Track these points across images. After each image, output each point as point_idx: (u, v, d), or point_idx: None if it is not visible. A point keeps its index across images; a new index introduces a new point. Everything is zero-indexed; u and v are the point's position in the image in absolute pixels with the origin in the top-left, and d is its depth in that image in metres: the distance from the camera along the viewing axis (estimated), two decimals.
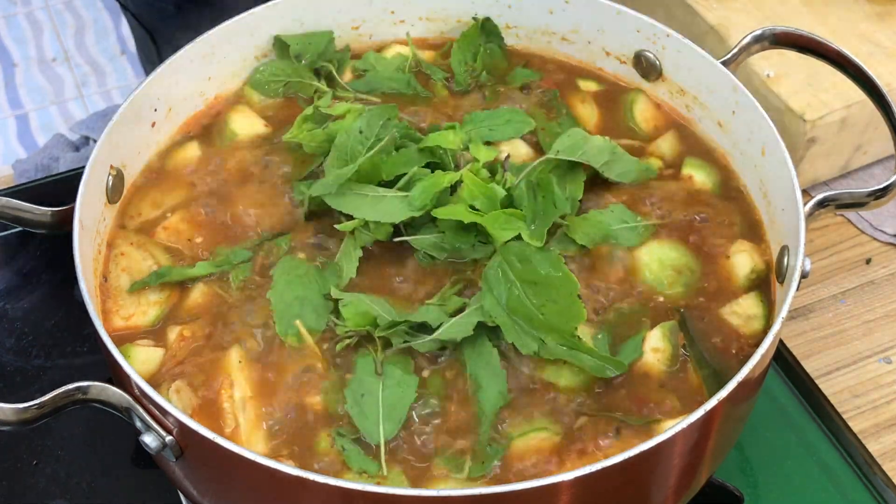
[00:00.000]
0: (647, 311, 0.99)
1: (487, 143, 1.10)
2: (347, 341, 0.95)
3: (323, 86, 1.18)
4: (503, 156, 1.08)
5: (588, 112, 1.18)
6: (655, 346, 0.96)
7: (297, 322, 0.96)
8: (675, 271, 1.02)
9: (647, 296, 1.00)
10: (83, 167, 1.00)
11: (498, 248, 0.97)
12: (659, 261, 1.03)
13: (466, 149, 1.06)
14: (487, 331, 0.95)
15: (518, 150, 1.12)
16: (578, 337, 0.92)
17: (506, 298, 0.93)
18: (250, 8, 1.16)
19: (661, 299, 1.00)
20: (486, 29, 1.23)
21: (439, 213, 0.98)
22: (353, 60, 1.23)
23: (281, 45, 1.19)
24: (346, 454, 0.89)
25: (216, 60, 1.16)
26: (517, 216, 0.98)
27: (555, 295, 0.92)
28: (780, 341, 1.23)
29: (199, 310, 0.99)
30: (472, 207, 0.99)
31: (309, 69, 1.19)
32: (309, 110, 1.10)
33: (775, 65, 1.36)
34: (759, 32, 1.11)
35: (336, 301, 0.97)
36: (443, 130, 1.05)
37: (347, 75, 1.21)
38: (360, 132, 1.03)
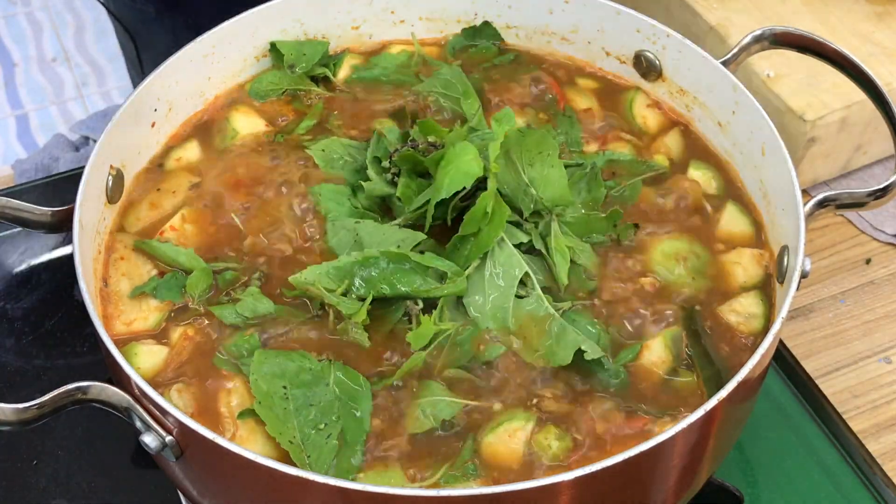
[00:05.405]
0: (648, 312, 0.99)
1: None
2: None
3: (322, 90, 1.19)
4: None
5: (588, 105, 1.18)
6: (656, 359, 0.96)
7: None
8: (675, 271, 1.02)
9: (646, 296, 1.00)
10: (83, 167, 1.00)
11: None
12: (660, 260, 1.03)
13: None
14: None
15: None
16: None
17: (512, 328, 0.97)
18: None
19: (660, 300, 1.00)
20: (485, 32, 1.23)
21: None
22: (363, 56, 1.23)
23: (277, 51, 1.19)
24: None
25: (216, 60, 1.16)
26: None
27: (547, 339, 0.95)
28: (780, 341, 1.23)
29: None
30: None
31: (306, 76, 1.19)
32: None
33: (775, 65, 1.36)
34: (759, 32, 1.11)
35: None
36: None
37: (345, 72, 1.21)
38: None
